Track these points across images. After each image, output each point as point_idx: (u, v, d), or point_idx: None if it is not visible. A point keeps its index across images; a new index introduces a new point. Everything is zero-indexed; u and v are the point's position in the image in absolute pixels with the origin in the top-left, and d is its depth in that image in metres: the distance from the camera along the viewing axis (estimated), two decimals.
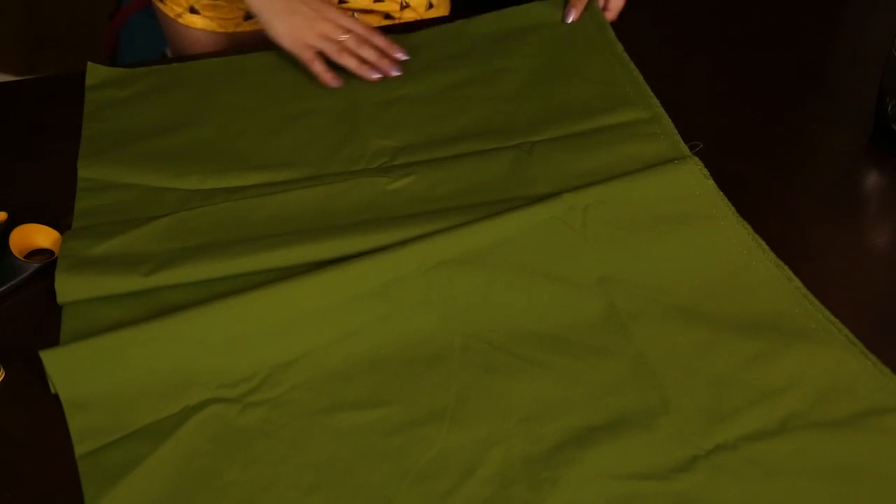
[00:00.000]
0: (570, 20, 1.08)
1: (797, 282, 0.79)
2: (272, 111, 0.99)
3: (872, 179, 0.93)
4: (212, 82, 1.02)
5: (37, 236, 0.83)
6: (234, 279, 0.79)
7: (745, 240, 0.82)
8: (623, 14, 1.10)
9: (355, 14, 1.16)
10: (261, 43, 1.09)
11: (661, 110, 0.96)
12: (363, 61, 1.01)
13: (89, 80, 1.01)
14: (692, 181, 0.87)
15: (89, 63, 1.01)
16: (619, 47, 1.05)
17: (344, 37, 1.01)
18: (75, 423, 0.70)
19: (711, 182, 0.87)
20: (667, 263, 0.81)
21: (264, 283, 0.76)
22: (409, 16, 1.17)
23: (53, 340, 0.76)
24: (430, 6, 1.19)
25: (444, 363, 0.74)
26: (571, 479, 0.65)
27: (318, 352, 0.74)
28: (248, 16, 1.14)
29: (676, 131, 0.93)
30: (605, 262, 0.81)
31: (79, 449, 0.68)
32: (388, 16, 1.17)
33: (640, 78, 1.00)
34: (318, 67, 1.00)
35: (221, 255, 0.80)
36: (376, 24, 1.16)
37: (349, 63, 1.00)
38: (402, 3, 1.16)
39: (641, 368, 0.73)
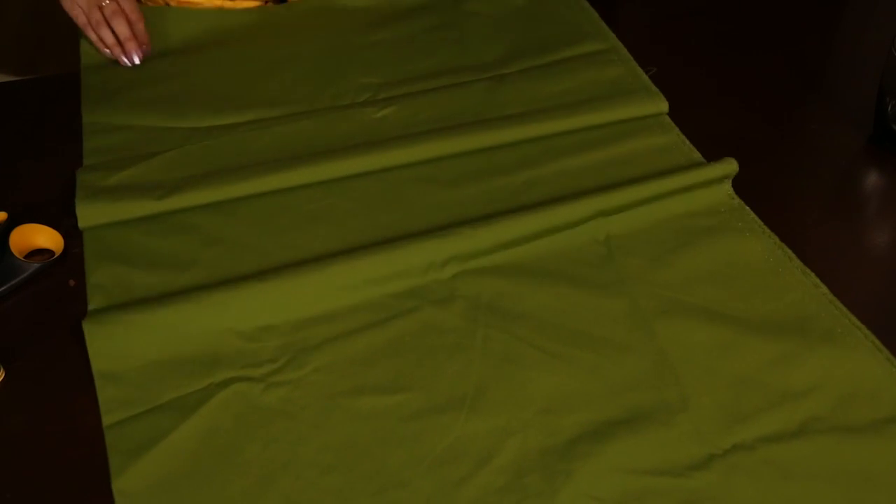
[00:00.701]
0: None
1: (824, 288, 0.79)
2: (260, 56, 1.06)
3: (872, 179, 0.93)
4: (199, 32, 1.09)
5: (37, 236, 0.83)
6: (248, 203, 0.87)
7: (771, 248, 0.82)
8: (623, 15, 1.10)
9: None
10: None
11: (618, 42, 1.07)
12: (117, 41, 1.04)
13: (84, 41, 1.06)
14: (718, 201, 0.87)
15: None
16: None
17: (106, 1, 1.03)
18: (105, 394, 0.71)
19: (738, 200, 0.87)
20: (691, 268, 0.81)
21: (295, 273, 0.78)
22: None
23: (53, 340, 0.76)
24: None
25: (466, 353, 0.74)
26: (586, 472, 0.66)
27: (343, 337, 0.76)
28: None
29: (632, 58, 1.04)
30: (628, 267, 0.81)
31: (106, 419, 0.69)
32: None
33: (597, 16, 1.11)
34: (92, 36, 1.03)
35: (227, 178, 0.87)
36: None
37: (105, 37, 1.03)
38: None
39: (662, 366, 0.73)
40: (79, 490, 0.67)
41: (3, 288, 0.79)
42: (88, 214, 0.84)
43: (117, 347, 0.73)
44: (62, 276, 0.82)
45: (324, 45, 1.08)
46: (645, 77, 1.01)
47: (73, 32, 1.04)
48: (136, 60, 1.02)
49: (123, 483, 0.66)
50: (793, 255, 0.82)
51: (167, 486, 0.66)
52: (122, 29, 1.02)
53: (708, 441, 0.68)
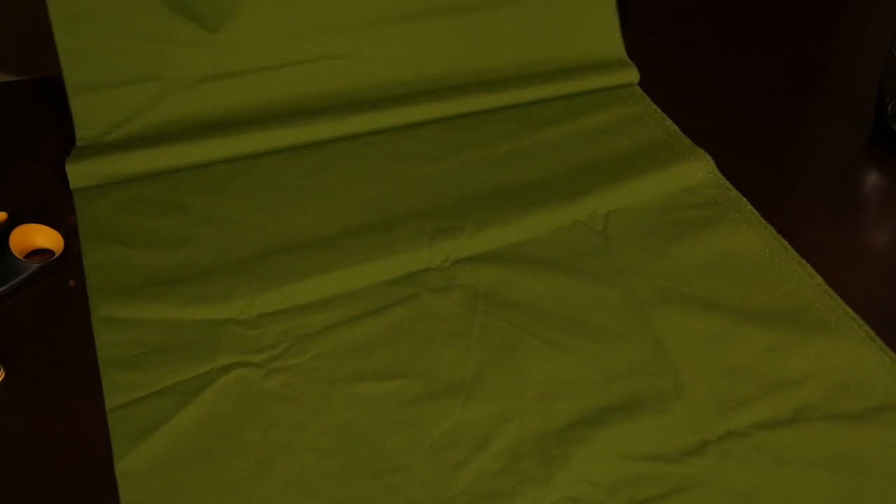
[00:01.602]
0: None
1: (819, 279, 0.80)
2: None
3: (872, 179, 0.93)
4: None
5: (37, 236, 0.83)
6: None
7: (767, 239, 0.83)
8: (624, 16, 1.10)
9: None
10: None
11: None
12: None
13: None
14: (715, 192, 0.88)
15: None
16: None
17: None
18: (109, 379, 0.72)
19: (735, 192, 0.88)
20: (688, 258, 0.82)
21: (294, 259, 0.80)
22: None
23: (53, 340, 0.76)
24: None
25: (464, 340, 0.75)
26: (582, 457, 0.67)
27: (343, 324, 0.76)
28: None
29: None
30: (625, 256, 0.82)
31: (109, 402, 0.70)
32: None
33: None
34: None
35: (215, 134, 0.91)
36: None
37: None
38: None
39: (658, 354, 0.74)
40: (78, 490, 0.67)
41: (3, 288, 0.79)
42: (78, 173, 0.87)
43: (121, 333, 0.75)
44: (62, 276, 0.82)
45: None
46: (620, 49, 1.04)
47: None
48: None
49: (126, 465, 0.67)
50: (788, 247, 0.82)
51: (169, 468, 0.67)
52: None
53: (702, 427, 0.69)
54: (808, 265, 0.81)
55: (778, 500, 0.65)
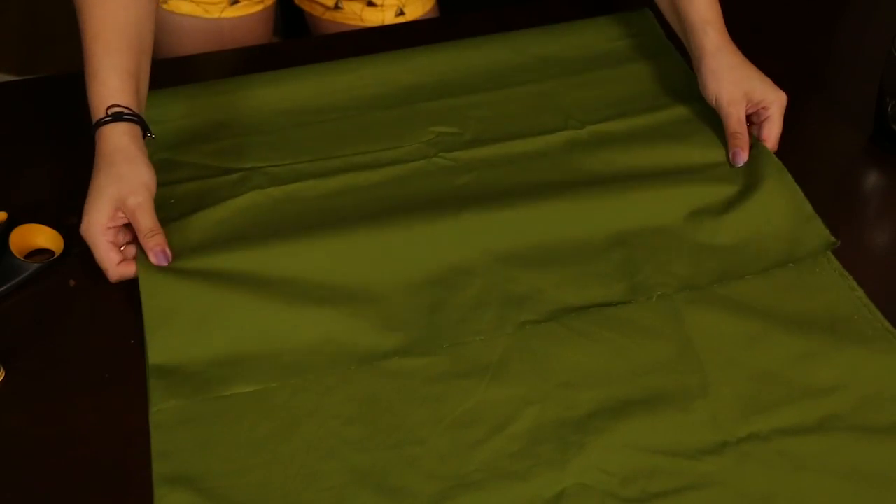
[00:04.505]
0: (738, 164, 0.90)
1: (860, 291, 0.78)
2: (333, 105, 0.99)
3: (872, 179, 0.93)
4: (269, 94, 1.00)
5: (37, 236, 0.83)
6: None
7: (814, 248, 0.82)
8: None
9: (339, 1, 1.16)
10: (243, 30, 1.11)
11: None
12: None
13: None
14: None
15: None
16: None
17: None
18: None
19: (788, 176, 0.86)
20: (727, 261, 0.81)
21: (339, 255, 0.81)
22: (391, 2, 1.16)
23: (53, 340, 0.76)
24: None
25: (495, 329, 0.76)
26: (598, 446, 0.67)
27: (379, 297, 0.78)
28: (234, 0, 1.13)
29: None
30: (665, 250, 0.82)
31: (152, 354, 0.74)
32: (370, 3, 1.16)
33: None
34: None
35: (292, 243, 0.82)
36: (359, 11, 1.16)
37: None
38: None
39: (686, 353, 0.74)
40: (78, 490, 0.67)
41: (3, 288, 0.79)
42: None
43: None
44: (62, 276, 0.82)
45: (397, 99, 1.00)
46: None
47: (73, 32, 1.03)
48: (162, 261, 0.79)
49: (159, 416, 0.70)
50: (831, 257, 0.81)
51: (199, 422, 0.70)
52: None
53: (723, 428, 0.69)
54: (850, 277, 0.79)
55: None
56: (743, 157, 0.89)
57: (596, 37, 1.07)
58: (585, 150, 0.92)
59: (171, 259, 0.79)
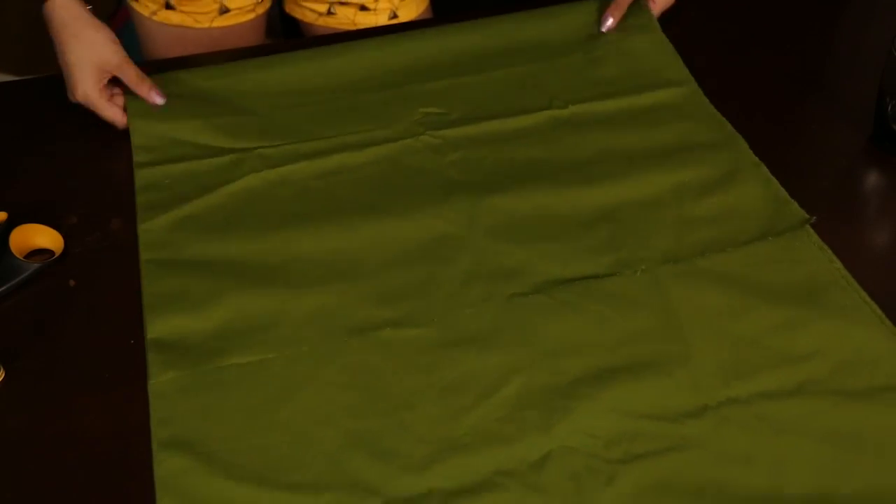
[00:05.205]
0: (605, 28, 1.06)
1: (838, 263, 0.80)
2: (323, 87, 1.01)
3: (872, 179, 0.93)
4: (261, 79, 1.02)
5: (37, 236, 0.83)
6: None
7: (791, 224, 0.84)
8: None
9: (332, 6, 1.16)
10: (234, 39, 1.11)
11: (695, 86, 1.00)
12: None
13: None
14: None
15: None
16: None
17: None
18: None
19: (763, 167, 0.89)
20: (709, 234, 0.83)
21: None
22: (384, 6, 1.16)
23: (53, 340, 0.76)
24: None
25: (484, 301, 0.78)
26: (583, 411, 0.70)
27: (371, 274, 0.81)
28: (224, 9, 1.13)
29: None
30: (648, 224, 0.84)
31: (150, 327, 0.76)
32: (363, 7, 1.16)
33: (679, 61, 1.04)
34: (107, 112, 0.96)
35: (287, 230, 0.85)
36: (352, 16, 1.16)
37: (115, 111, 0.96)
38: None
39: (670, 323, 0.76)
40: (78, 490, 0.67)
41: (3, 288, 0.79)
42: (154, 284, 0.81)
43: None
44: (62, 276, 0.82)
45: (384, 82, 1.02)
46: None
47: None
48: (159, 100, 0.95)
49: (159, 385, 0.72)
50: (811, 230, 0.83)
51: (197, 389, 0.72)
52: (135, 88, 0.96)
53: (704, 393, 0.71)
54: (828, 249, 0.81)
55: (772, 467, 0.66)
56: (611, 24, 1.05)
57: (582, 18, 1.08)
58: (569, 129, 0.95)
59: (164, 97, 0.95)
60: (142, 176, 0.89)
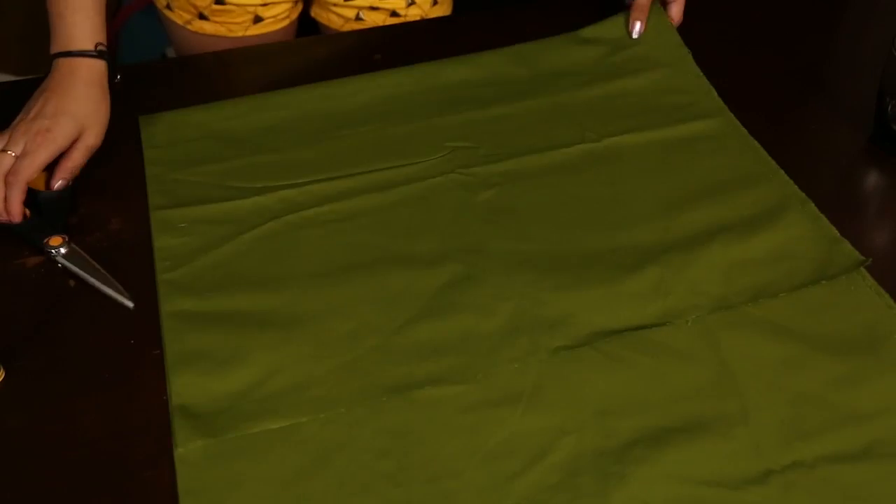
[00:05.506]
0: (636, 34, 1.05)
1: None
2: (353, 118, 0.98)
3: (872, 179, 0.93)
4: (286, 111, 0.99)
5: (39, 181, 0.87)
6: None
7: (846, 266, 0.81)
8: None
9: (361, 12, 1.16)
10: (268, 47, 1.11)
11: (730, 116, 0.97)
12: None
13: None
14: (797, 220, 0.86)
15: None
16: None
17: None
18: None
19: (812, 206, 0.86)
20: (760, 280, 0.80)
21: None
22: (414, 13, 1.17)
23: (53, 340, 0.76)
24: (435, 3, 1.19)
25: (528, 356, 0.74)
26: (640, 477, 0.66)
27: (406, 327, 0.77)
28: (258, 18, 1.14)
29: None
30: (696, 268, 0.80)
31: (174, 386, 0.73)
32: (394, 13, 1.17)
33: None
34: None
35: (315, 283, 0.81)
36: (382, 22, 1.16)
37: None
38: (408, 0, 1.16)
39: (724, 377, 0.72)
40: (78, 490, 0.67)
41: (60, 220, 0.84)
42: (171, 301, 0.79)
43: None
44: (62, 276, 0.82)
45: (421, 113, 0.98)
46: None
47: None
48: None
49: (185, 452, 0.68)
50: (865, 274, 0.80)
51: (226, 457, 0.68)
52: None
53: (766, 456, 0.67)
54: (886, 295, 0.78)
55: None
56: (640, 28, 1.04)
57: (608, 44, 1.05)
58: (604, 163, 0.91)
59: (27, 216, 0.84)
60: (158, 218, 0.86)
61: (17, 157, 0.83)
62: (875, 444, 0.67)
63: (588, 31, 1.06)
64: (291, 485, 0.66)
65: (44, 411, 0.72)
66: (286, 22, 1.17)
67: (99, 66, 0.89)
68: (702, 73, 1.02)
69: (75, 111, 0.86)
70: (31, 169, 0.83)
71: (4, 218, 0.83)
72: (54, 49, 0.89)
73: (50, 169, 0.86)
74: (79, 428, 0.71)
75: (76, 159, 0.87)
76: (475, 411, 0.70)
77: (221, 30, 1.14)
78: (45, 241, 0.82)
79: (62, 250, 0.82)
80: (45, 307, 0.79)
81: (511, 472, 0.67)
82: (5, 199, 0.82)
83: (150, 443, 0.69)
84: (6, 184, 0.83)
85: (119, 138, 0.94)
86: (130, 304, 0.78)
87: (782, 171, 0.90)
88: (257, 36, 1.15)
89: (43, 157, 0.84)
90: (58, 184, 0.85)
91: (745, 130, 0.95)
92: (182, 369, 0.73)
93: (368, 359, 0.74)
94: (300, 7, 1.19)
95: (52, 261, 0.82)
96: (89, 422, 0.71)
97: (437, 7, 1.19)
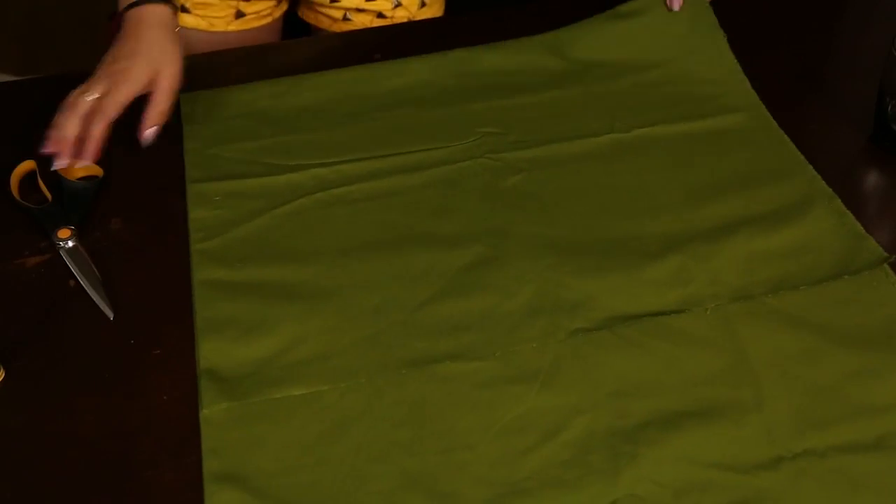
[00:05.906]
0: (676, 7, 1.03)
1: None
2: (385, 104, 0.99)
3: (872, 179, 0.93)
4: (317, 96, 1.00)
5: (78, 170, 0.89)
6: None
7: (869, 262, 0.81)
8: None
9: (348, 13, 1.16)
10: (249, 43, 1.11)
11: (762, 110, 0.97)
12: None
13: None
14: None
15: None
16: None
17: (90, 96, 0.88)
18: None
19: (838, 201, 0.86)
20: (782, 266, 0.80)
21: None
22: (401, 15, 1.17)
23: (53, 340, 0.76)
24: (423, 5, 1.18)
25: (547, 336, 0.76)
26: (651, 457, 0.67)
27: (429, 304, 0.78)
28: (240, 13, 1.13)
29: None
30: (718, 258, 0.81)
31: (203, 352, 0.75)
32: (380, 14, 1.17)
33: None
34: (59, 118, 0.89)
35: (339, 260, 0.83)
36: (369, 23, 1.16)
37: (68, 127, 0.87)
38: (394, 1, 1.16)
39: (740, 365, 0.73)
40: (78, 490, 0.67)
41: (79, 212, 0.85)
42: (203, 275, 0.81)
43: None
44: (62, 276, 0.82)
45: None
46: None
47: (73, 32, 1.04)
48: (60, 165, 0.86)
49: (210, 413, 0.70)
50: (889, 271, 0.80)
51: (249, 420, 0.70)
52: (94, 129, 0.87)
53: (778, 443, 0.68)
54: None
55: None
56: (679, 2, 1.02)
57: (638, 32, 1.04)
58: (633, 153, 0.92)
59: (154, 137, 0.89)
60: (194, 191, 0.88)
61: (97, 100, 0.87)
62: (887, 437, 0.68)
63: (625, 8, 1.06)
64: (311, 449, 0.68)
65: (44, 411, 0.72)
66: (268, 20, 1.17)
67: (165, 10, 0.93)
68: (735, 60, 1.02)
69: (147, 52, 0.90)
70: (115, 106, 0.87)
71: (77, 158, 0.86)
72: (122, 6, 0.94)
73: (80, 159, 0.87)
74: (79, 428, 0.71)
75: (161, 103, 0.90)
76: (492, 387, 0.72)
77: (202, 23, 1.13)
78: (56, 231, 0.83)
79: (69, 243, 0.82)
80: (45, 307, 0.79)
81: (524, 447, 0.68)
82: (83, 140, 0.86)
83: (150, 443, 0.69)
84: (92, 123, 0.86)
85: (119, 138, 0.94)
86: (111, 315, 0.78)
87: (811, 167, 0.90)
88: (238, 33, 1.15)
89: (124, 94, 0.87)
90: (151, 130, 0.89)
91: (775, 123, 0.95)
92: (210, 335, 0.76)
93: (390, 332, 0.76)
94: (284, 7, 1.19)
95: (52, 261, 0.82)
96: (89, 422, 0.71)
97: (425, 9, 1.19)
